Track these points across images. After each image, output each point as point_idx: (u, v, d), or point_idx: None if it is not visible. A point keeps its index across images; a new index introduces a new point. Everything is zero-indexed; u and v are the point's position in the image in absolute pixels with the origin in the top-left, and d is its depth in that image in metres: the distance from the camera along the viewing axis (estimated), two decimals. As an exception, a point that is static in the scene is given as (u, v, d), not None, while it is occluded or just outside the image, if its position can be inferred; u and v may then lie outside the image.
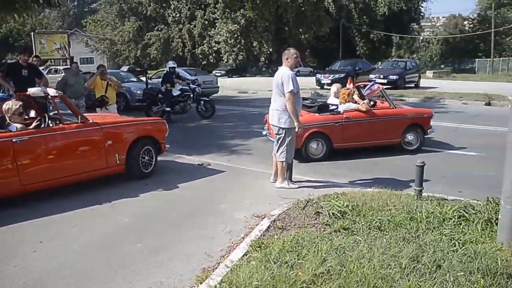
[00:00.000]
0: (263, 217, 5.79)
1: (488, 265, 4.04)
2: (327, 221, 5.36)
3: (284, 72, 6.78)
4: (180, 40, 48.14)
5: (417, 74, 29.48)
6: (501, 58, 48.67)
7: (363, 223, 5.13)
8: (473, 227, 5.00)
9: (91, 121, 7.13)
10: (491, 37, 48.94)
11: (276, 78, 6.86)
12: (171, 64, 15.23)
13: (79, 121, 6.96)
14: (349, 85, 9.90)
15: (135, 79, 20.72)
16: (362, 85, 10.06)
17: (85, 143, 7.02)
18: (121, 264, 4.61)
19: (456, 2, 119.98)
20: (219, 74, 41.71)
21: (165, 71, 16.33)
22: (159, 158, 8.30)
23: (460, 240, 4.65)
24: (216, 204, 6.48)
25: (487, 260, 4.14)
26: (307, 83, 27.91)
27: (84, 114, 7.49)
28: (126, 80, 19.16)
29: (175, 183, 7.45)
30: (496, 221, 4.83)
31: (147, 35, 49.61)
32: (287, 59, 6.86)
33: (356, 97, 9.30)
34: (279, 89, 6.78)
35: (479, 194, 5.76)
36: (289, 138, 6.91)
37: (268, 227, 5.33)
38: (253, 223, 5.65)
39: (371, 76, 26.58)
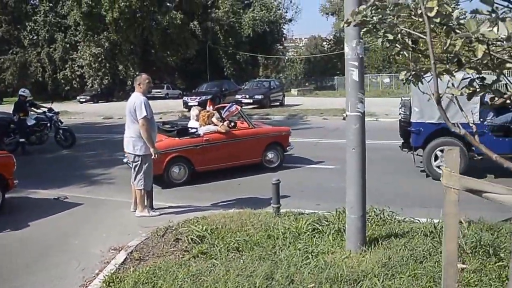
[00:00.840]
0: (120, 249, 5.58)
1: (336, 273, 4.28)
2: (186, 247, 5.33)
3: (136, 98, 6.68)
4: (39, 64, 45.24)
5: (281, 93, 30.76)
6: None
7: (221, 246, 5.17)
8: (326, 238, 5.28)
9: None
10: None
11: (128, 104, 6.73)
12: (21, 92, 14.16)
13: None
14: (209, 108, 10.04)
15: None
16: (221, 107, 10.24)
17: None
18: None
19: (315, 25, 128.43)
20: (83, 100, 39.91)
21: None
22: (8, 196, 7.68)
23: (313, 253, 4.87)
24: (70, 240, 6.12)
25: (335, 269, 4.39)
26: (176, 106, 27.85)
27: None
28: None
29: (26, 222, 6.90)
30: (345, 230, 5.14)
31: (0, 59, 45.91)
32: (139, 84, 6.78)
33: (214, 119, 9.41)
34: (132, 116, 6.66)
35: (335, 205, 6.03)
36: (146, 165, 6.79)
37: (125, 259, 5.16)
38: (110, 257, 5.42)
39: (237, 96, 27.32)
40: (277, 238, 5.32)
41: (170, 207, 7.47)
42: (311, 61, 61.48)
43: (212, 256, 4.96)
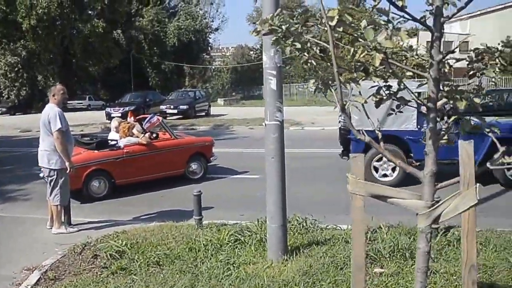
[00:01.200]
0: (33, 269, 5.28)
1: (257, 284, 4.29)
2: (105, 263, 5.15)
3: (51, 109, 6.43)
4: None
5: (207, 103, 30.76)
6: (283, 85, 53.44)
7: (141, 261, 5.05)
8: (248, 248, 5.29)
9: None
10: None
11: (43, 116, 6.47)
12: None
13: None
14: (130, 119, 9.80)
15: None
16: (142, 118, 10.02)
17: None
18: None
19: (242, 34, 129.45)
20: (-1, 112, 37.75)
21: None
22: None
23: (235, 264, 4.86)
24: (-22, 263, 5.70)
25: (256, 280, 4.39)
26: (99, 118, 27.04)
27: None
28: None
29: None
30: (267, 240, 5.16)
31: None
32: (53, 95, 6.52)
33: (135, 130, 9.19)
34: (46, 128, 6.40)
35: (259, 215, 6.01)
36: (62, 179, 6.52)
37: (38, 280, 4.90)
38: (22, 278, 5.12)
39: (162, 107, 27.03)
40: (198, 251, 5.27)
41: (89, 222, 7.19)
42: (238, 71, 61.82)
43: (132, 272, 4.83)
